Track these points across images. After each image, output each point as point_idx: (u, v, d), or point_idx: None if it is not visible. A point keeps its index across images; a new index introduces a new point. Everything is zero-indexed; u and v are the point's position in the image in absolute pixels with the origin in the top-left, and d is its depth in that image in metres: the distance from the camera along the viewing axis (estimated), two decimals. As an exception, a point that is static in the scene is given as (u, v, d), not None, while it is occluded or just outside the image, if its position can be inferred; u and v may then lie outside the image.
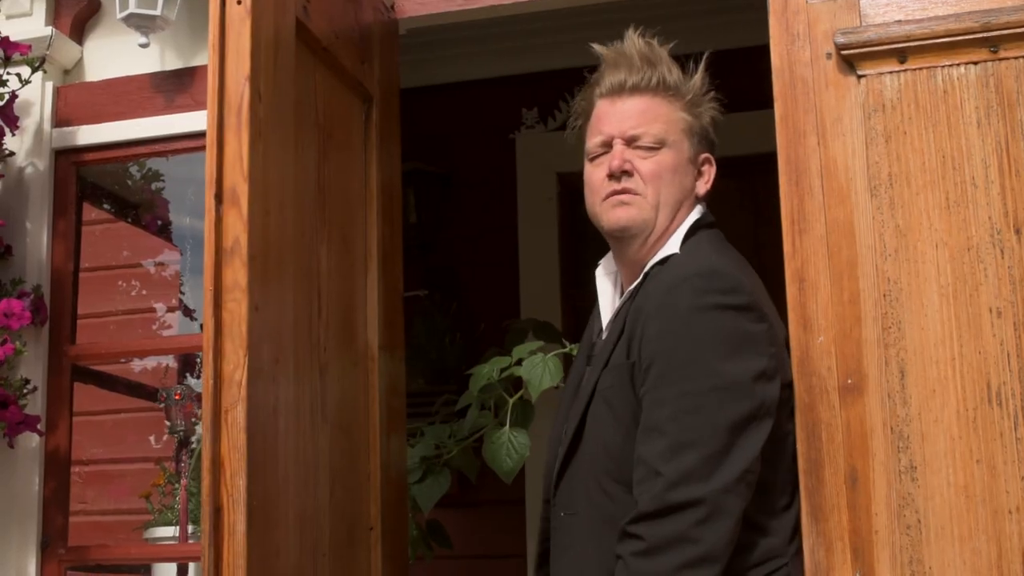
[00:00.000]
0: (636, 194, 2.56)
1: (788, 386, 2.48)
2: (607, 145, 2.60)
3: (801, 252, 2.56)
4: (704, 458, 2.29)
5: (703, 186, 2.65)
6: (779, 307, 2.55)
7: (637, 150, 2.57)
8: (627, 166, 2.56)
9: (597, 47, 2.69)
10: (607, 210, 2.58)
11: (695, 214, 2.61)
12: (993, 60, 2.50)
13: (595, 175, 2.62)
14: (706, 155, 2.65)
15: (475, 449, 3.61)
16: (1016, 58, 2.49)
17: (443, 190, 5.42)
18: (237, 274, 2.32)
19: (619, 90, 2.62)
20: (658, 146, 2.57)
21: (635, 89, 2.61)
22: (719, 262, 2.48)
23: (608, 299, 2.71)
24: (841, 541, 2.44)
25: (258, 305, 2.34)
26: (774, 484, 2.44)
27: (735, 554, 2.31)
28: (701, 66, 2.66)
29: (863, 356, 2.49)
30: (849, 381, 2.48)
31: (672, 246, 2.55)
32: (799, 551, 2.46)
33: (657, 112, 2.60)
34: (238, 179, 2.34)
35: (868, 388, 2.47)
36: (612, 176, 2.56)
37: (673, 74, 2.63)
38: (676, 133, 2.59)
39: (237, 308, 2.31)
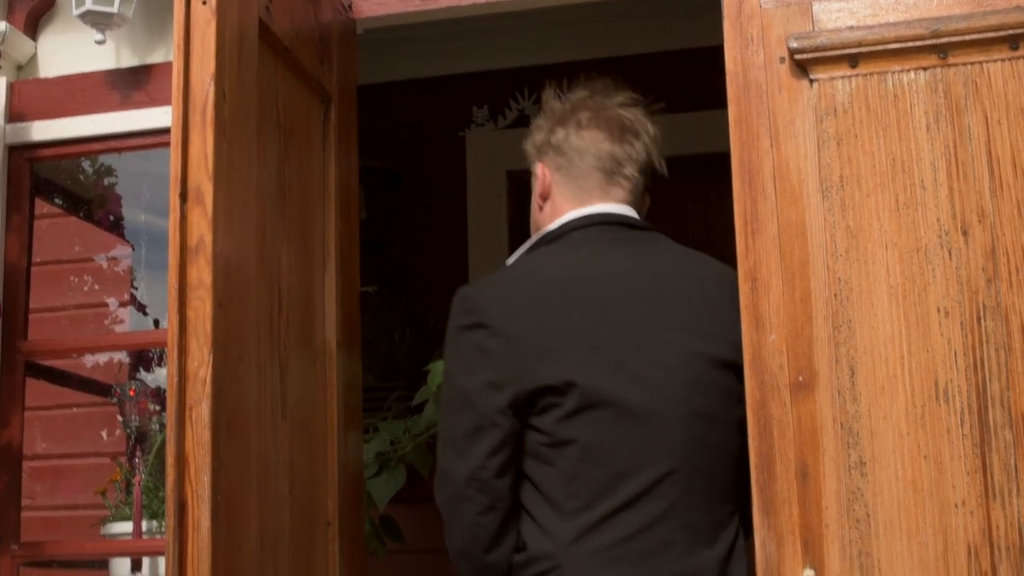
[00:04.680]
0: None
1: (549, 391, 2.46)
2: None
3: (754, 252, 2.60)
4: (440, 470, 2.53)
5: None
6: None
7: None
8: None
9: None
10: None
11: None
12: (942, 66, 2.56)
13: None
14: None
15: (429, 445, 3.63)
16: (964, 64, 2.54)
17: (394, 187, 5.43)
18: (202, 272, 2.33)
19: None
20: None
21: None
22: (474, 283, 2.68)
23: None
24: (792, 535, 2.48)
25: (222, 303, 2.36)
26: (556, 486, 2.47)
27: (509, 544, 2.50)
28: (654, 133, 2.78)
29: (814, 354, 2.53)
30: (800, 378, 2.53)
31: None
32: (591, 554, 2.43)
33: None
34: (203, 178, 2.35)
35: (819, 385, 2.51)
36: None
37: (653, 152, 2.77)
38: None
39: (202, 306, 2.32)
